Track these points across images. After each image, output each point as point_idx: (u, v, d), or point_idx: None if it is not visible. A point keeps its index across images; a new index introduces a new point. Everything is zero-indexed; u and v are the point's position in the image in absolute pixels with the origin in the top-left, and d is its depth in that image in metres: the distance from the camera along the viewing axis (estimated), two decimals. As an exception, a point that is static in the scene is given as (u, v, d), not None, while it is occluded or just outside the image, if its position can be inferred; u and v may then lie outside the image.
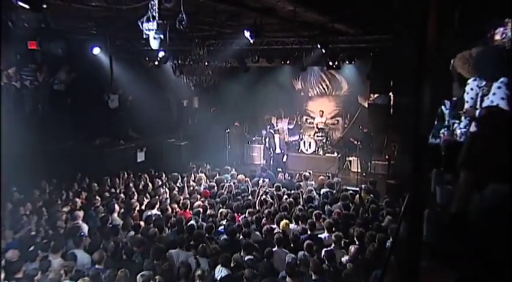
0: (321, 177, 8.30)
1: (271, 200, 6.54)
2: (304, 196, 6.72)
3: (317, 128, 11.88)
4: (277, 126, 11.83)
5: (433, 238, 2.08)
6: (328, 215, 5.84)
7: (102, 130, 9.26)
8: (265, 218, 5.58)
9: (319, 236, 5.04)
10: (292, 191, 7.07)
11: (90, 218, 5.53)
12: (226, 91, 11.87)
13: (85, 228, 5.14)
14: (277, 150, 10.40)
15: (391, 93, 8.94)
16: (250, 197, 6.71)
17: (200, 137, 11.54)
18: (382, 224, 5.31)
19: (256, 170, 9.21)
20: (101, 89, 9.34)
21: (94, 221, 5.40)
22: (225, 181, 7.78)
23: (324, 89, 12.74)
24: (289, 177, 8.57)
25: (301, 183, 7.81)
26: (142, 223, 5.36)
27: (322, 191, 7.27)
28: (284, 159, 10.40)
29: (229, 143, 11.50)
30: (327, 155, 11.32)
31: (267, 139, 10.91)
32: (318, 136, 11.57)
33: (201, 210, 5.95)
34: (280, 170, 10.07)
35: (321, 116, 11.96)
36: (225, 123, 11.60)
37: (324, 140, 11.55)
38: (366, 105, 11.38)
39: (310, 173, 8.43)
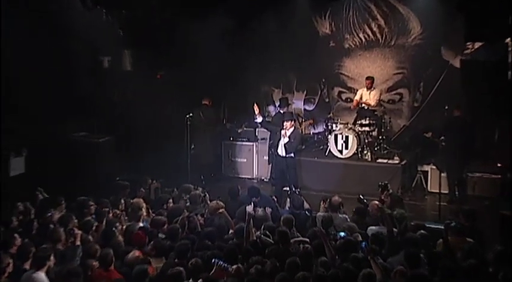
0: (371, 202, 8.45)
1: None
2: (333, 242, 7.02)
3: (360, 109, 12.16)
4: (283, 107, 12.00)
5: None
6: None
7: None
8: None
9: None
10: (311, 233, 7.39)
11: None
12: (188, 39, 11.99)
13: None
14: (281, 152, 10.59)
15: (509, 40, 9.55)
16: (231, 244, 6.97)
17: (136, 128, 11.89)
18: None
19: (243, 189, 9.60)
20: None
21: None
22: (185, 212, 7.93)
23: (373, 35, 13.03)
24: (303, 206, 8.78)
25: (325, 216, 8.09)
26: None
27: (370, 230, 7.52)
28: (293, 170, 10.68)
29: (193, 140, 11.79)
30: (379, 161, 11.66)
31: (266, 132, 11.55)
32: (362, 125, 11.85)
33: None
34: (286, 189, 10.48)
35: (369, 88, 12.17)
36: (185, 102, 11.90)
37: (375, 133, 11.90)
38: (457, 63, 11.82)
39: (340, 199, 8.75)
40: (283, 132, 10.42)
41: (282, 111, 11.68)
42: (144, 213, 8.14)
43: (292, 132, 10.47)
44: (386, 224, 7.32)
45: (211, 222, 7.90)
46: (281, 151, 10.58)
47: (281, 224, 7.56)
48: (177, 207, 8.31)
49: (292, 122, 10.68)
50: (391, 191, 8.88)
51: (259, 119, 11.05)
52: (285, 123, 10.47)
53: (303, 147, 12.11)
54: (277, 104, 13.10)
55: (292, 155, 10.63)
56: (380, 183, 8.92)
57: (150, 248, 6.92)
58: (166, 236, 7.28)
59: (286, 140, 10.41)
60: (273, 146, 11.10)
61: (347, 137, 11.68)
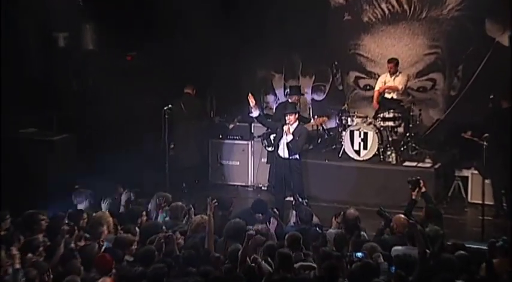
0: (396, 216, 8.44)
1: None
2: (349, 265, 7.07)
3: (383, 99, 12.24)
4: (286, 96, 12.15)
5: None
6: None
7: None
8: None
9: None
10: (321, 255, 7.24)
11: None
12: (166, 11, 12.15)
13: None
14: (283, 152, 10.59)
15: None
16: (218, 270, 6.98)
17: (101, 122, 11.97)
18: None
19: (235, 198, 10.04)
20: None
21: None
22: (163, 229, 8.01)
23: (399, 5, 13.03)
24: (312, 221, 8.80)
25: (338, 233, 8.14)
26: None
27: (395, 250, 7.51)
28: (299, 175, 10.69)
29: (173, 138, 11.85)
30: (406, 164, 11.73)
31: (265, 128, 11.47)
32: (385, 119, 11.91)
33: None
34: (290, 198, 10.41)
35: (392, 73, 12.26)
36: (163, 91, 12.10)
37: (401, 129, 11.99)
38: (506, 41, 11.98)
39: (357, 212, 8.68)
40: (285, 128, 10.39)
41: (290, 101, 11.65)
42: (106, 231, 8.07)
43: (296, 128, 10.46)
44: (417, 243, 7.23)
45: (193, 242, 7.79)
46: (283, 152, 10.53)
47: (285, 243, 7.56)
48: (153, 224, 8.36)
49: (297, 115, 10.66)
50: (424, 189, 8.82)
51: (255, 113, 10.88)
52: (287, 117, 10.43)
53: (311, 146, 12.12)
54: (278, 92, 13.07)
55: (297, 156, 10.64)
56: (410, 178, 8.90)
57: (113, 274, 6.86)
58: (136, 259, 7.23)
59: (290, 137, 10.38)
60: (267, 138, 11.22)
61: (366, 134, 11.70)
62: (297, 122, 10.51)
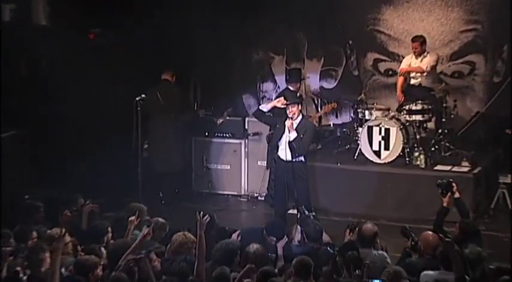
0: (424, 233, 8.38)
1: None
2: None
3: (408, 87, 12.29)
4: (294, 82, 12.13)
5: None
6: None
7: None
8: None
9: None
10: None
11: None
12: None
13: None
14: (285, 154, 10.57)
15: None
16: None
17: (58, 117, 11.99)
18: None
19: (224, 210, 10.27)
20: None
21: None
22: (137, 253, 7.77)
23: None
24: (322, 238, 8.89)
25: (352, 254, 7.86)
26: None
27: (426, 276, 7.58)
28: (304, 182, 10.74)
29: (147, 135, 12.00)
30: (438, 168, 11.77)
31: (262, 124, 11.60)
32: (411, 112, 11.96)
33: None
34: (294, 211, 10.53)
35: (418, 54, 12.29)
36: (135, 77, 12.13)
37: (431, 125, 12.14)
38: None
39: (375, 227, 8.68)
40: (287, 123, 10.36)
41: (291, 89, 11.70)
42: (48, 259, 7.82)
43: (300, 123, 10.49)
44: (453, 267, 7.25)
45: (172, 265, 7.70)
46: (284, 153, 10.49)
47: (292, 270, 7.52)
48: (122, 242, 8.18)
49: (299, 106, 10.67)
50: (457, 194, 8.81)
51: (266, 107, 10.88)
52: (289, 109, 10.42)
53: (319, 146, 12.12)
54: (279, 79, 13.04)
55: (302, 159, 10.62)
56: (440, 181, 8.89)
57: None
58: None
59: (293, 135, 10.36)
60: (273, 143, 10.99)
61: (387, 131, 11.72)
62: (301, 116, 10.50)
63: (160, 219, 8.98)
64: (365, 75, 13.78)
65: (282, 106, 10.53)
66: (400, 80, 12.36)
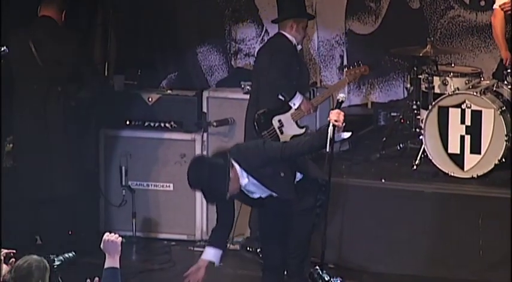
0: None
1: None
2: None
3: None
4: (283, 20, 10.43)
5: None
6: None
7: None
8: None
9: None
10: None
11: None
12: None
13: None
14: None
15: None
16: None
17: None
18: None
19: (162, 270, 9.71)
20: None
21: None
22: None
23: None
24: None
25: None
26: None
27: None
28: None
29: (12, 125, 11.06)
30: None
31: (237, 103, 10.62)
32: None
33: None
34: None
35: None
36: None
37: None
38: None
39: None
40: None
41: (288, 37, 9.59)
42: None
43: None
44: None
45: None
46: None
47: None
48: None
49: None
50: None
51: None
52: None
53: (346, 147, 9.73)
54: (265, 15, 10.99)
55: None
56: None
57: None
58: None
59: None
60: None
61: (477, 116, 9.21)
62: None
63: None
64: (433, 9, 11.08)
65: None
66: (499, 18, 9.66)
